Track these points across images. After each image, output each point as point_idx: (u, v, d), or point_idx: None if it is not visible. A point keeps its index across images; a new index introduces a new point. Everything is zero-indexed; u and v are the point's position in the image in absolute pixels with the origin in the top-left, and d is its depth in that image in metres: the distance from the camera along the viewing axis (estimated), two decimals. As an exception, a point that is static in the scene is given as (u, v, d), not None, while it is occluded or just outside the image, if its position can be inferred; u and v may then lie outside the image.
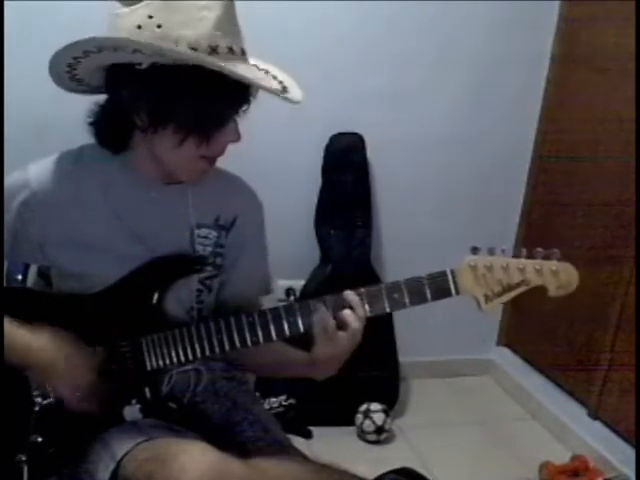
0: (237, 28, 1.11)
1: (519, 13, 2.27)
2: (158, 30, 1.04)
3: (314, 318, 1.10)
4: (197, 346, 1.14)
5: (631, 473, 1.90)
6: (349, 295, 1.10)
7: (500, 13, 2.25)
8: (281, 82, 1.16)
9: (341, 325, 1.09)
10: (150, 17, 1.05)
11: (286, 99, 1.12)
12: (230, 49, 1.07)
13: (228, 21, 1.08)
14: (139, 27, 1.05)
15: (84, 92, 1.19)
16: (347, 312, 1.09)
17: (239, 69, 1.06)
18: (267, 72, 1.17)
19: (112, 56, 1.06)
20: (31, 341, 1.10)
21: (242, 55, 1.10)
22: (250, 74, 1.07)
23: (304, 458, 1.19)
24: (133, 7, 1.06)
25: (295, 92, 1.16)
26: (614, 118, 2.07)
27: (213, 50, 1.05)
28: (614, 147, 2.08)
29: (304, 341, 1.15)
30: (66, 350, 1.10)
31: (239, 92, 1.10)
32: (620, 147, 2.04)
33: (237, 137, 1.15)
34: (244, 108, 1.14)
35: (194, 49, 1.04)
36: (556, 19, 2.33)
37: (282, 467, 1.08)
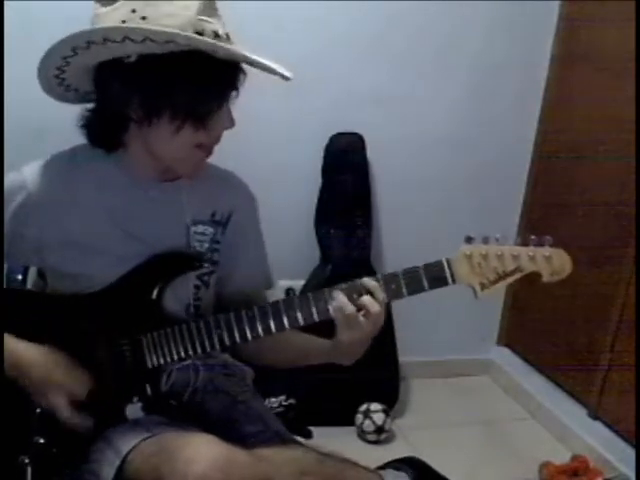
0: (219, 14, 1.12)
1: (519, 13, 2.27)
2: (143, 22, 1.05)
3: (333, 305, 1.11)
4: (197, 342, 1.14)
5: (631, 473, 1.90)
6: (367, 281, 1.11)
7: (500, 13, 2.25)
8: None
9: (361, 310, 1.10)
10: (133, 11, 1.05)
11: (278, 74, 1.13)
12: (216, 33, 1.08)
13: (210, 8, 1.10)
14: (123, 22, 1.05)
15: (72, 100, 1.20)
16: (367, 298, 1.10)
17: (229, 48, 1.07)
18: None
19: (101, 50, 1.06)
20: (22, 355, 1.10)
21: (227, 39, 1.11)
22: (240, 52, 1.09)
23: (307, 449, 1.20)
24: (112, 6, 1.07)
25: (284, 72, 1.16)
26: (614, 118, 2.07)
27: (200, 35, 1.06)
28: (614, 147, 2.08)
29: (326, 329, 1.16)
30: (57, 366, 1.11)
31: (229, 75, 1.12)
32: (620, 147, 2.04)
33: (231, 123, 1.16)
34: (234, 93, 1.15)
35: None
36: (556, 19, 2.33)
37: (286, 455, 1.09)
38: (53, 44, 1.06)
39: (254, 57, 1.11)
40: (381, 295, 1.11)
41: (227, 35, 1.12)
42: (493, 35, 2.28)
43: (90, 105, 1.19)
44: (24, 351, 1.11)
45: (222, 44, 1.07)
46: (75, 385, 1.11)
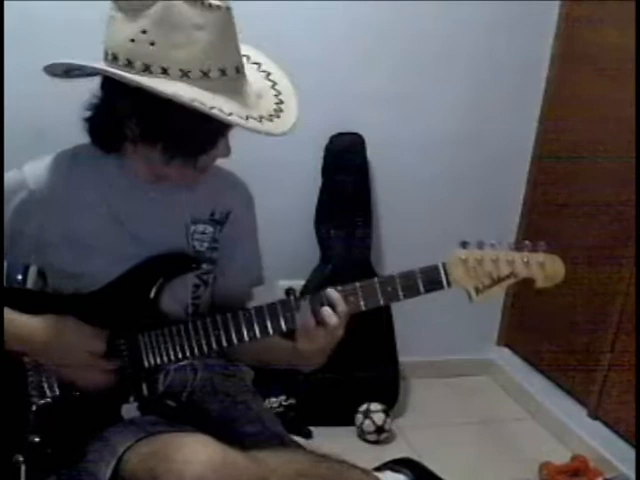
0: (233, 44, 1.09)
1: (519, 13, 2.27)
2: (150, 48, 1.03)
3: (297, 316, 1.12)
4: (194, 343, 1.15)
5: (631, 473, 1.90)
6: (329, 292, 1.13)
7: (500, 13, 2.25)
8: (278, 94, 1.15)
9: (321, 322, 1.11)
10: (144, 32, 1.03)
11: (266, 134, 1.09)
12: (222, 72, 1.06)
13: (223, 39, 1.07)
14: (132, 41, 1.04)
15: (78, 77, 1.18)
16: (326, 309, 1.11)
17: (226, 105, 1.04)
18: (268, 74, 1.17)
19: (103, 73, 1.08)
20: (34, 323, 1.12)
21: (237, 73, 1.09)
22: (236, 108, 1.05)
23: (305, 450, 1.20)
24: (127, 15, 1.05)
25: (288, 115, 1.13)
26: (614, 118, 2.07)
27: (204, 74, 1.04)
28: (614, 147, 2.08)
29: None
30: (70, 327, 1.12)
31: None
32: (620, 147, 2.04)
33: (227, 152, 1.16)
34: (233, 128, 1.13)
35: (185, 74, 1.03)
36: (556, 19, 2.33)
37: (283, 457, 1.09)
38: (55, 62, 1.07)
39: (247, 124, 1.06)
40: (341, 307, 1.11)
41: (237, 69, 1.09)
42: (493, 35, 2.28)
43: (96, 92, 1.17)
44: (36, 320, 1.12)
45: (218, 98, 1.03)
46: (91, 337, 1.12)
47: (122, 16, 1.06)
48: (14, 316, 1.12)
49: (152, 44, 1.03)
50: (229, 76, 1.07)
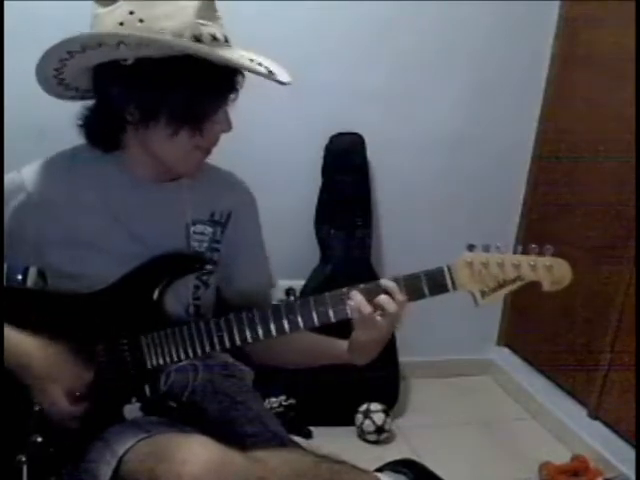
0: (218, 15, 1.12)
1: (519, 13, 2.27)
2: (140, 24, 1.05)
3: (350, 305, 1.11)
4: (198, 344, 1.14)
5: (631, 473, 1.89)
6: (385, 282, 1.12)
7: (500, 13, 2.25)
8: (267, 68, 1.17)
9: (377, 310, 1.10)
10: (131, 13, 1.06)
11: (275, 81, 1.13)
12: (213, 37, 1.08)
13: (209, 9, 1.09)
14: (121, 24, 1.06)
15: (73, 98, 1.20)
16: (384, 297, 1.10)
17: (225, 54, 1.07)
18: (252, 60, 1.18)
19: (97, 54, 1.07)
20: (20, 344, 1.10)
21: (226, 42, 1.12)
22: (236, 59, 1.09)
23: (304, 451, 1.20)
24: (112, 6, 1.07)
25: (283, 76, 1.16)
26: (614, 118, 2.07)
27: (197, 39, 1.06)
28: (614, 147, 2.08)
29: (340, 329, 1.16)
30: (56, 359, 1.10)
31: (227, 79, 1.12)
32: (620, 147, 2.04)
33: (228, 126, 1.16)
34: (233, 96, 1.15)
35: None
36: (556, 19, 2.33)
37: (282, 458, 1.09)
38: (49, 48, 1.06)
39: (249, 63, 1.10)
40: (399, 296, 1.11)
41: (225, 38, 1.11)
42: (493, 35, 2.29)
43: (89, 103, 1.19)
44: (25, 342, 1.11)
45: (217, 50, 1.07)
46: (73, 378, 1.11)
47: (105, 10, 1.08)
48: (12, 335, 1.11)
49: (141, 21, 1.05)
50: (220, 41, 1.09)
